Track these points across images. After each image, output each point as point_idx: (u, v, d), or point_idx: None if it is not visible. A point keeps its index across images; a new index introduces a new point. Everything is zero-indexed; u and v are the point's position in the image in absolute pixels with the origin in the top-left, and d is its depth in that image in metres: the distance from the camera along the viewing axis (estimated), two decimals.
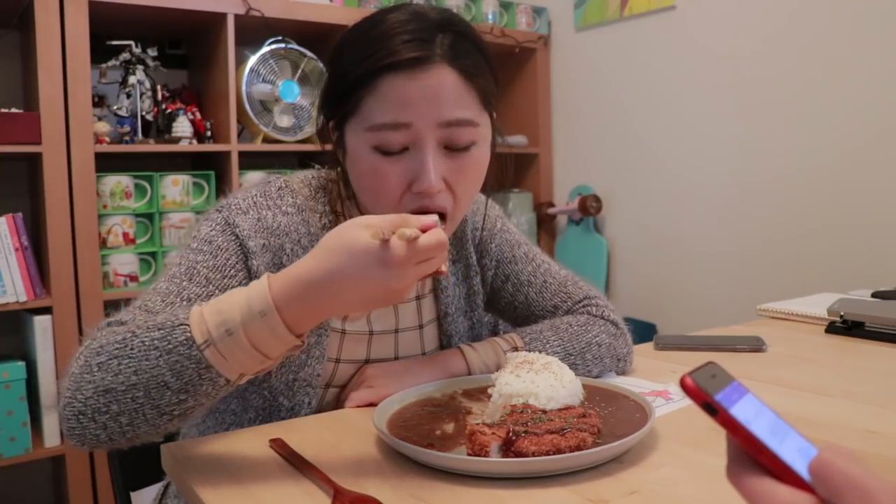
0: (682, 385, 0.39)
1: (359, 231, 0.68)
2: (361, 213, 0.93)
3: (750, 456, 0.39)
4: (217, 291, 0.83)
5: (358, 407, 0.91)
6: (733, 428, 0.38)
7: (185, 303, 0.80)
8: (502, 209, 1.14)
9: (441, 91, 0.81)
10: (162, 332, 0.68)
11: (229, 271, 0.85)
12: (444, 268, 0.73)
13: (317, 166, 1.00)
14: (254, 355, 0.68)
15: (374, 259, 0.66)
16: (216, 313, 0.68)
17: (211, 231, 0.87)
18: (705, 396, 0.38)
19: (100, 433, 0.70)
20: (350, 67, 0.83)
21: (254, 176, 2.27)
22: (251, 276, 0.87)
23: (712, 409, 0.38)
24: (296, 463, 0.73)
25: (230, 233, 0.87)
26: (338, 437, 0.81)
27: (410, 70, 0.80)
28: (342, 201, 0.95)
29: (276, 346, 0.69)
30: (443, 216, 0.84)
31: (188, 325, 0.68)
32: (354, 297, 0.69)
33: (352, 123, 0.85)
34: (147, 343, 0.68)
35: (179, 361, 0.67)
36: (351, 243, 0.67)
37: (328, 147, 0.92)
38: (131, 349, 0.69)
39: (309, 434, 0.82)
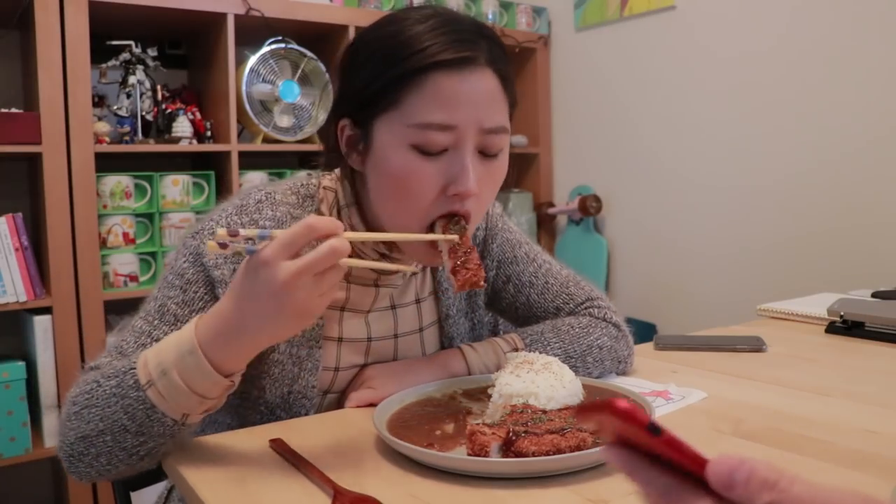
0: (620, 410, 0.35)
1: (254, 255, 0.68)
2: (366, 222, 0.90)
3: (692, 476, 0.36)
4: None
5: (358, 407, 0.91)
6: (678, 446, 0.36)
7: (154, 343, 0.82)
8: (502, 208, 1.13)
9: (486, 95, 0.81)
10: (117, 379, 0.74)
11: (197, 304, 0.86)
12: (481, 282, 0.78)
13: (309, 173, 0.98)
14: (189, 395, 0.71)
15: (252, 268, 0.67)
16: (156, 354, 0.72)
17: (184, 263, 0.87)
18: (649, 417, 0.36)
19: (90, 471, 0.77)
20: (390, 63, 0.80)
21: (254, 176, 2.28)
22: None
23: (657, 429, 0.36)
24: (296, 463, 0.73)
25: (199, 264, 0.87)
26: (338, 437, 0.81)
27: (459, 70, 0.79)
28: (339, 209, 0.92)
29: (207, 386, 0.71)
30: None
31: (135, 369, 0.73)
32: (258, 322, 0.68)
33: (387, 119, 0.81)
34: (107, 391, 0.74)
35: (131, 404, 0.72)
36: (242, 266, 0.69)
37: (335, 148, 0.89)
38: (96, 399, 0.75)
39: (309, 434, 0.82)
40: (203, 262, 0.86)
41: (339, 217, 0.92)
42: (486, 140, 0.82)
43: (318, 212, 0.93)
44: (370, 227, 0.90)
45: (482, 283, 0.80)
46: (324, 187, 0.94)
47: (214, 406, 0.74)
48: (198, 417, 0.74)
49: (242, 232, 0.67)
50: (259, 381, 0.89)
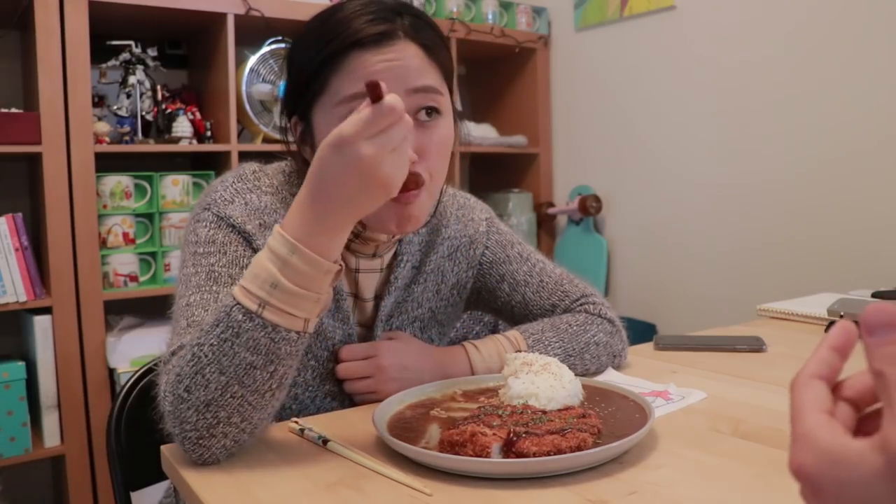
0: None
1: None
2: None
3: None
4: None
5: (355, 394, 0.94)
6: None
7: None
8: (492, 212, 1.14)
9: (407, 62, 0.84)
10: (221, 325, 0.71)
11: (243, 261, 0.87)
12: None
13: (289, 158, 1.01)
14: (305, 296, 0.71)
15: (335, 148, 0.68)
16: (254, 278, 0.71)
17: (209, 231, 0.88)
18: None
19: (225, 442, 0.73)
20: (316, 51, 0.85)
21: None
22: None
23: None
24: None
25: (227, 226, 0.88)
26: (337, 437, 0.81)
27: (376, 46, 0.83)
28: None
29: (318, 277, 0.71)
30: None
31: (239, 303, 0.70)
32: (345, 199, 0.70)
33: (319, 105, 0.86)
34: (215, 343, 0.70)
35: (251, 337, 0.70)
36: (320, 152, 0.70)
37: (293, 147, 0.95)
38: (206, 356, 0.71)
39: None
40: (231, 224, 0.88)
41: None
42: (418, 100, 0.85)
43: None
44: None
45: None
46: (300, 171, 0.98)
47: (327, 303, 0.74)
48: (314, 323, 0.74)
49: None
50: None
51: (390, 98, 0.67)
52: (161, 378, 0.77)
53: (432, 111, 0.87)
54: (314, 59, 0.85)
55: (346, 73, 0.83)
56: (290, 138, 0.95)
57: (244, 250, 0.87)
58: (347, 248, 0.96)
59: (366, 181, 0.69)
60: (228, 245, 0.87)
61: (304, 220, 0.71)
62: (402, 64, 0.84)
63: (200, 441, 0.72)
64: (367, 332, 1.00)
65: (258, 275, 0.70)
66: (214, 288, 0.83)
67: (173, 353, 0.78)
